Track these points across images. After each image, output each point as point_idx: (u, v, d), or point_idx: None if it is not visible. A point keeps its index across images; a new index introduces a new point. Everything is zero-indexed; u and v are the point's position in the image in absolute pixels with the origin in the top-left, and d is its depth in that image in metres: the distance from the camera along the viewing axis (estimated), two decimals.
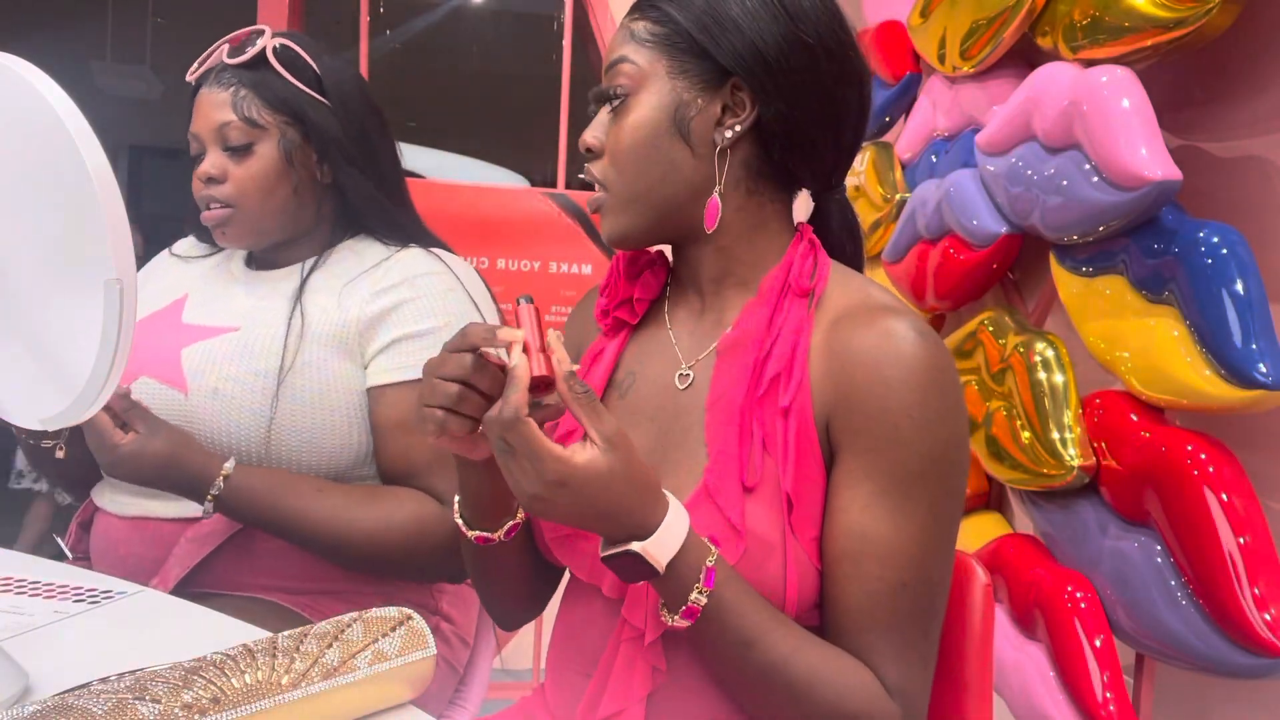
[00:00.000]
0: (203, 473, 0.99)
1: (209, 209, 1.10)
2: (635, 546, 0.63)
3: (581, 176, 0.80)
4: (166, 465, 0.98)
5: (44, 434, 1.08)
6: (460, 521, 0.77)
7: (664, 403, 0.78)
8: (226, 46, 1.11)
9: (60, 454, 1.10)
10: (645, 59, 0.75)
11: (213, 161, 1.08)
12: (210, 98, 1.09)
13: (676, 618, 0.65)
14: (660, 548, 0.63)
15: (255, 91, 1.08)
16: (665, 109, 0.75)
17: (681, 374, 0.78)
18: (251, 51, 1.08)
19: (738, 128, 0.74)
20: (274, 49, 1.09)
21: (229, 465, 1.00)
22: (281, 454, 1.04)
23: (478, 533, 0.76)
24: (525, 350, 0.64)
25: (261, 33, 1.10)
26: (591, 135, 0.78)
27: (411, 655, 0.68)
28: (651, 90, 0.75)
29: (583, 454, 0.62)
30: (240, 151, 1.08)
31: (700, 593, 0.64)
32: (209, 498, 0.99)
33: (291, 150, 1.10)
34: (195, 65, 1.13)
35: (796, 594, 0.69)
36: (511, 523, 0.77)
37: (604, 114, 0.78)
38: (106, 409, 0.97)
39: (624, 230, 0.77)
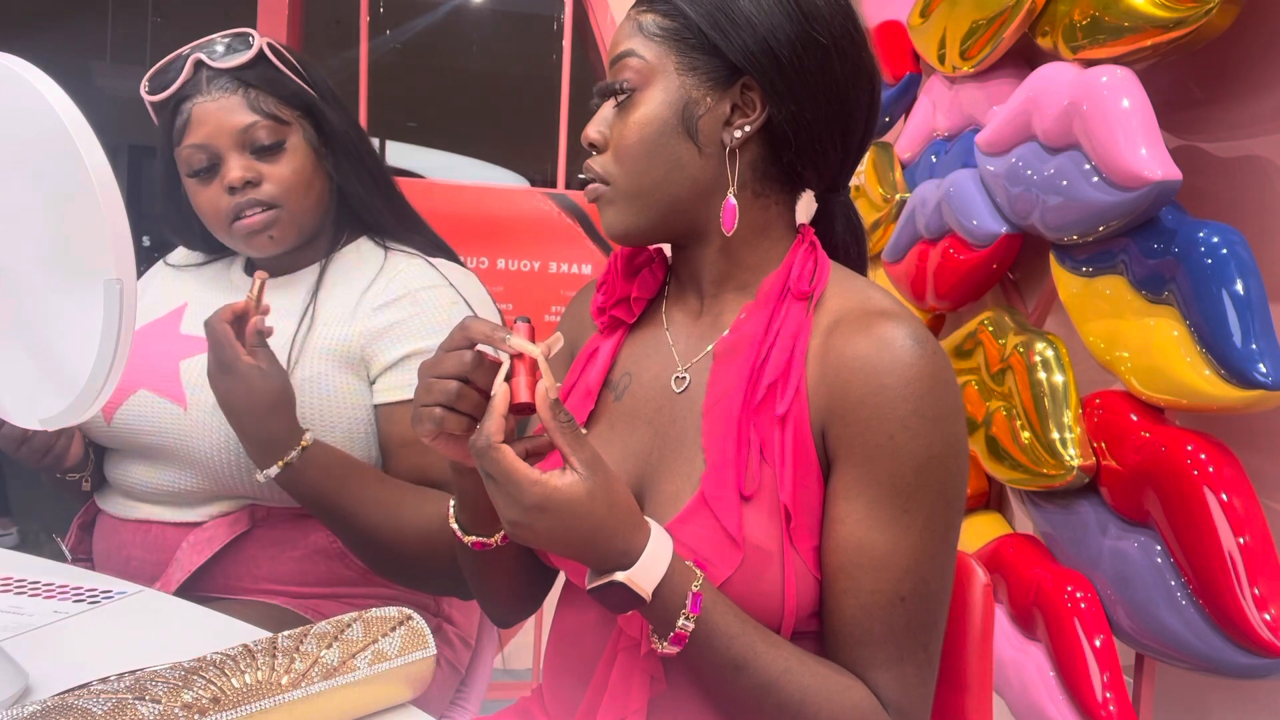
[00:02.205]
0: (291, 432, 0.96)
1: (243, 217, 1.05)
2: (620, 576, 0.62)
3: (582, 176, 0.79)
4: (268, 406, 0.94)
5: (68, 469, 1.08)
6: (456, 527, 0.76)
7: (660, 405, 0.77)
8: (204, 55, 1.05)
9: (86, 486, 1.09)
10: (653, 53, 0.74)
11: (243, 165, 1.03)
12: (215, 104, 1.03)
13: (665, 644, 0.65)
14: (645, 575, 0.62)
15: (267, 90, 1.05)
16: (673, 106, 0.73)
17: (678, 376, 0.77)
18: (249, 53, 1.05)
19: (747, 128, 0.73)
20: (268, 46, 1.07)
21: (309, 435, 0.97)
22: None
23: (474, 538, 0.76)
24: (513, 372, 0.64)
25: (249, 34, 1.08)
26: (595, 130, 0.76)
27: (412, 655, 0.68)
28: (659, 86, 0.74)
29: (562, 479, 0.61)
30: (272, 150, 1.05)
31: (687, 618, 0.64)
32: (283, 463, 0.95)
33: (315, 144, 1.08)
34: (157, 82, 1.07)
35: (795, 604, 0.68)
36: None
37: (608, 108, 0.76)
38: (238, 333, 0.94)
39: (625, 226, 0.76)
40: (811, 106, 0.73)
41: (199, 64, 1.05)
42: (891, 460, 0.66)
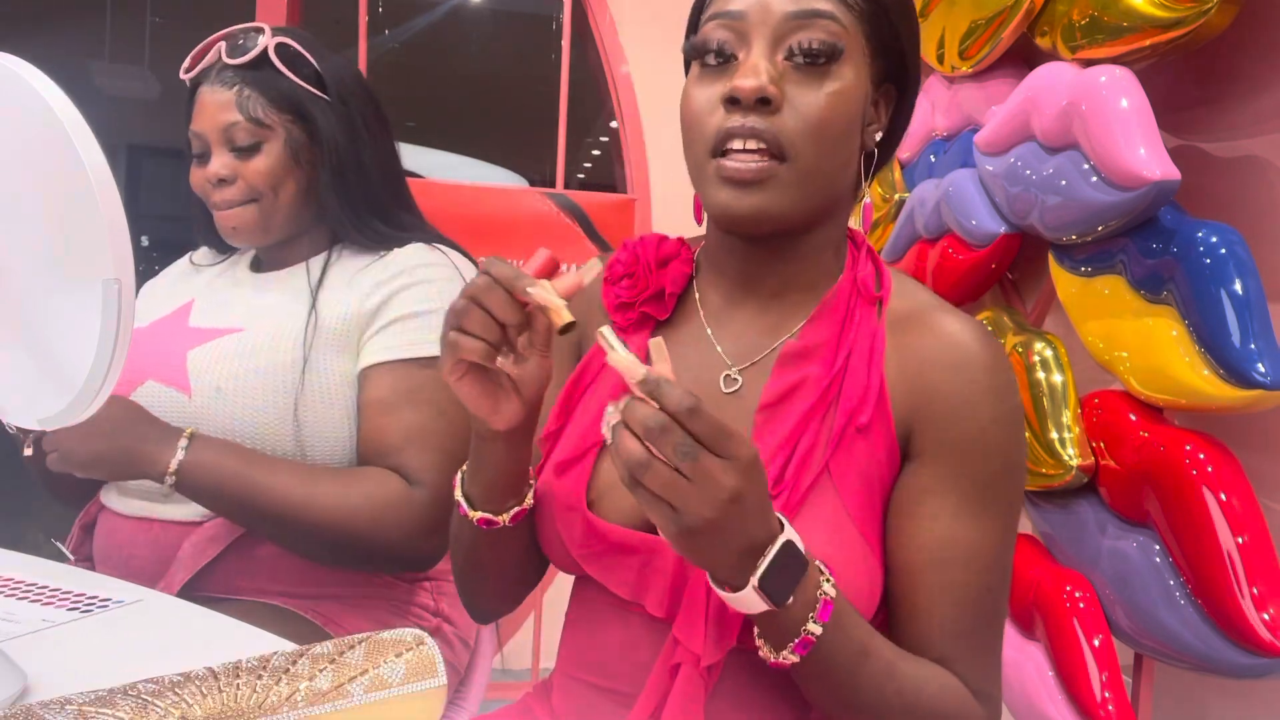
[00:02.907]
0: (161, 433, 0.99)
1: (219, 209, 1.10)
2: (787, 535, 0.56)
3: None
4: (109, 427, 0.97)
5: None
6: (463, 501, 0.72)
7: None
8: (224, 45, 1.10)
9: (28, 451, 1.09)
10: (850, 23, 0.66)
11: (222, 163, 1.08)
12: (213, 97, 1.08)
13: (811, 622, 0.58)
14: (797, 537, 0.57)
15: (259, 91, 1.08)
16: (861, 89, 0.67)
17: (728, 376, 0.73)
18: (253, 51, 1.08)
19: (880, 135, 0.71)
20: (275, 48, 1.09)
21: (185, 439, 0.99)
22: (286, 450, 1.04)
23: (481, 514, 0.71)
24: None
25: (261, 31, 1.10)
26: (770, 82, 0.65)
27: (416, 685, 0.60)
28: (853, 63, 0.66)
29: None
30: (247, 151, 1.08)
31: (830, 584, 0.59)
32: (174, 462, 0.97)
33: (298, 149, 1.10)
34: (188, 63, 1.12)
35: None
36: (518, 508, 0.72)
37: (769, 62, 0.66)
38: None
39: (785, 210, 0.67)
40: (907, 122, 0.74)
41: (219, 53, 1.10)
42: (984, 454, 0.66)
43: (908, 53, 0.71)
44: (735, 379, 0.73)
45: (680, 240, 0.79)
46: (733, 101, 0.65)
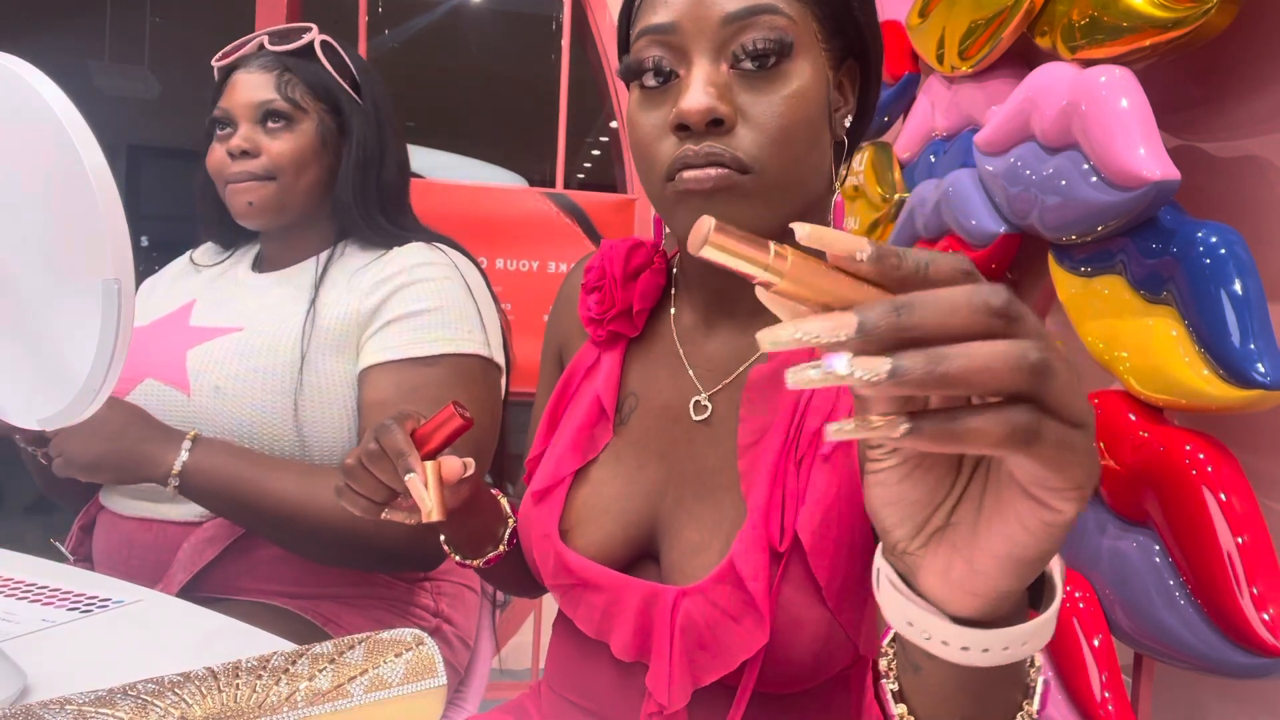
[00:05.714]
0: (165, 435, 0.99)
1: (236, 184, 1.11)
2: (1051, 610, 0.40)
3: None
4: (116, 428, 0.97)
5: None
6: (444, 544, 0.80)
7: (675, 436, 0.68)
8: (267, 36, 1.14)
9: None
10: (797, 14, 0.60)
11: (245, 135, 1.10)
12: (249, 79, 1.11)
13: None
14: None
15: (299, 76, 1.11)
16: (820, 82, 0.61)
17: (698, 403, 0.68)
18: (300, 41, 1.12)
19: (850, 118, 0.65)
20: (320, 43, 1.13)
21: (188, 441, 0.99)
22: (287, 449, 1.04)
23: (457, 559, 0.79)
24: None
25: (310, 28, 1.14)
26: (717, 100, 0.58)
27: (416, 685, 0.60)
28: (807, 57, 0.60)
29: None
30: (279, 127, 1.10)
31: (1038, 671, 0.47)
32: (173, 475, 0.97)
33: (327, 137, 1.12)
34: (229, 50, 1.15)
35: (816, 665, 0.61)
36: (493, 553, 0.78)
37: (716, 74, 0.59)
38: None
39: (750, 223, 0.59)
40: (874, 104, 0.68)
41: (260, 44, 1.14)
42: None
43: (864, 22, 0.65)
44: (705, 406, 0.68)
45: (654, 245, 0.74)
46: (682, 128, 0.59)
